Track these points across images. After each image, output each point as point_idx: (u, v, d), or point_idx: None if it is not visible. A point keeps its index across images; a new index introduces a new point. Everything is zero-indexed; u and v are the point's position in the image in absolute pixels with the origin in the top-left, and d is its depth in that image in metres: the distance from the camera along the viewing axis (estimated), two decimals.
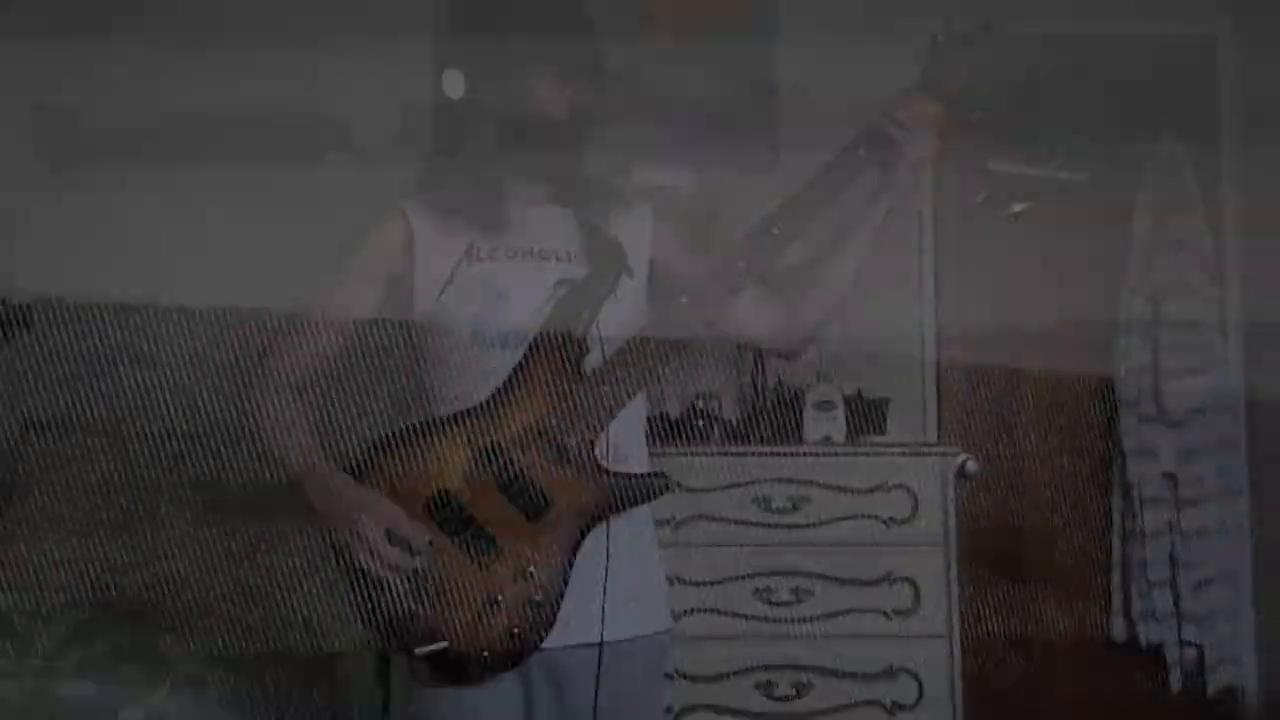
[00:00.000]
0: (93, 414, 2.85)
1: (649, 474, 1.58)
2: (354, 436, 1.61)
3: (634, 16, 3.26)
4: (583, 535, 1.53)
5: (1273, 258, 3.23)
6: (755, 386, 3.08)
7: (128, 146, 3.17)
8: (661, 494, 1.57)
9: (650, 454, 1.68)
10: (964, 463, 3.20)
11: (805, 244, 1.59)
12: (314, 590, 2.67)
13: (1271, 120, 3.23)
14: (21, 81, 3.21)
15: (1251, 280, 3.33)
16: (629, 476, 1.56)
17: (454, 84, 1.64)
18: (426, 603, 1.48)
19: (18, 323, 2.76)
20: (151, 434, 2.91)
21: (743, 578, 2.76)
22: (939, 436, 3.30)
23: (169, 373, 2.91)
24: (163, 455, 2.89)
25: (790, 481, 2.78)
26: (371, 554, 1.46)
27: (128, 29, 3.15)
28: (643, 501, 1.57)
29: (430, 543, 1.48)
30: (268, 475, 1.54)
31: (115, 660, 2.18)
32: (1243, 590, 3.27)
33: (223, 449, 2.81)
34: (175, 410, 2.71)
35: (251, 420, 1.57)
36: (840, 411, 2.93)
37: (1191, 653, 3.19)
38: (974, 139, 3.23)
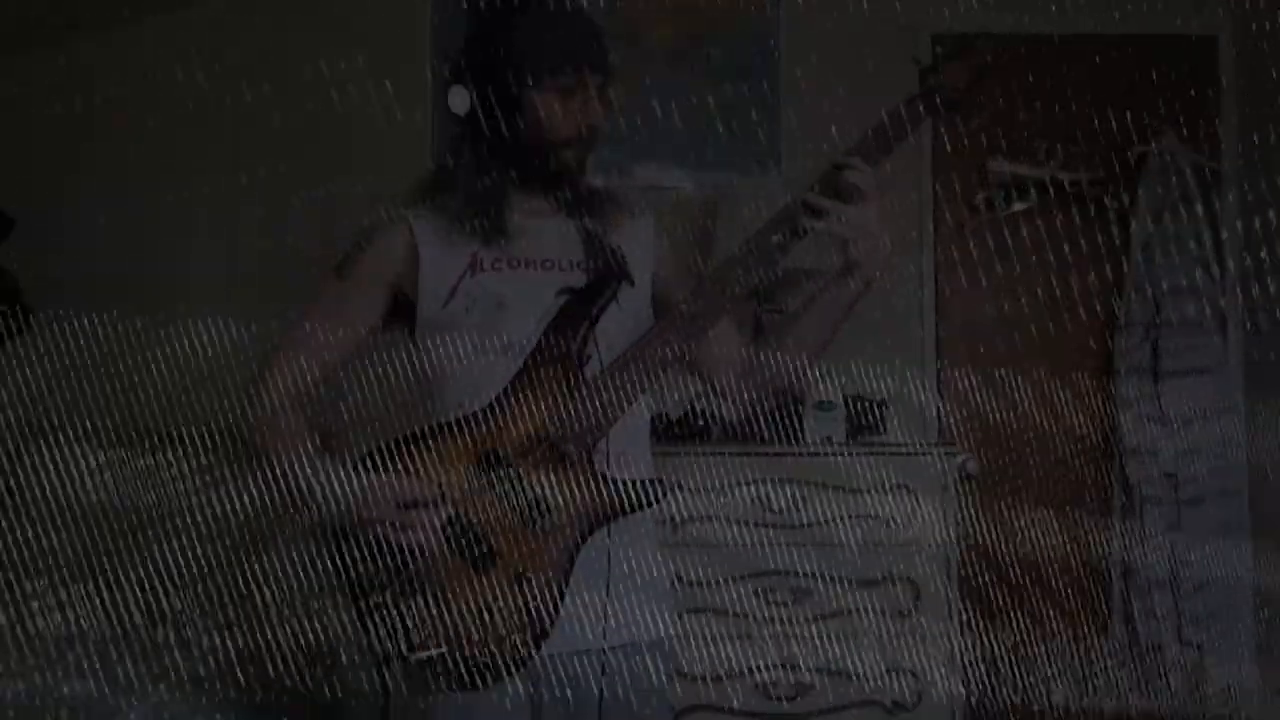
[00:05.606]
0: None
1: (648, 480, 1.57)
2: (355, 444, 1.61)
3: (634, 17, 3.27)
4: (581, 542, 1.53)
5: (1273, 258, 3.23)
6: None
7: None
8: (660, 501, 1.57)
9: (653, 455, 1.69)
10: (964, 463, 3.21)
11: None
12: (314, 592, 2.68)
13: (1271, 120, 3.22)
14: None
15: (1251, 280, 3.33)
16: (628, 483, 1.55)
17: (460, 100, 1.59)
18: (423, 607, 1.48)
19: None
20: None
21: (743, 578, 2.76)
22: (939, 436, 3.30)
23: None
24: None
25: (790, 481, 2.78)
26: (394, 527, 1.46)
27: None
28: (641, 508, 1.56)
29: (441, 492, 1.48)
30: (271, 487, 1.53)
31: (115, 660, 2.18)
32: (1243, 590, 3.27)
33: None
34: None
35: (253, 431, 1.56)
36: (840, 411, 2.93)
37: (1191, 653, 3.19)
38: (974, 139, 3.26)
